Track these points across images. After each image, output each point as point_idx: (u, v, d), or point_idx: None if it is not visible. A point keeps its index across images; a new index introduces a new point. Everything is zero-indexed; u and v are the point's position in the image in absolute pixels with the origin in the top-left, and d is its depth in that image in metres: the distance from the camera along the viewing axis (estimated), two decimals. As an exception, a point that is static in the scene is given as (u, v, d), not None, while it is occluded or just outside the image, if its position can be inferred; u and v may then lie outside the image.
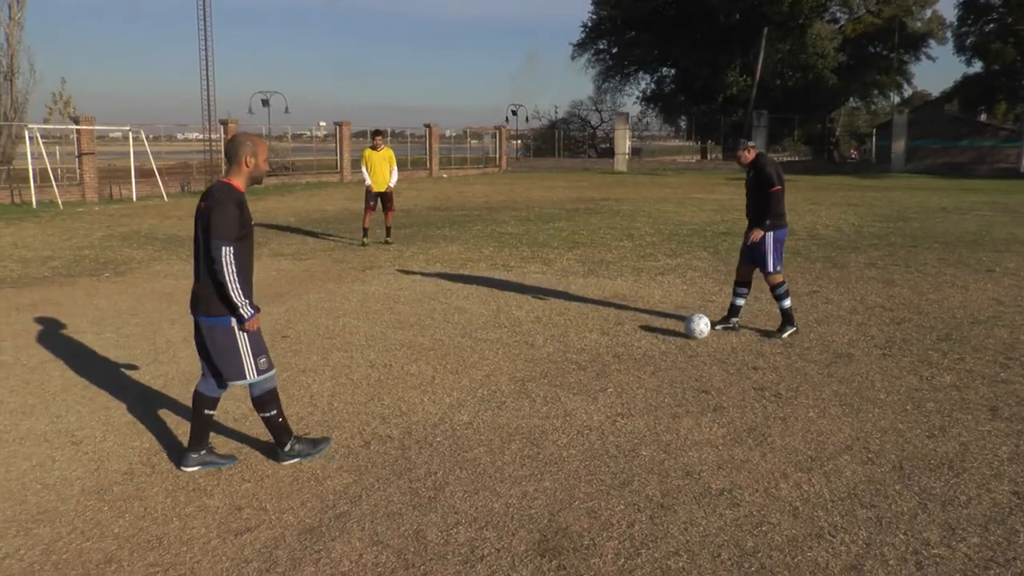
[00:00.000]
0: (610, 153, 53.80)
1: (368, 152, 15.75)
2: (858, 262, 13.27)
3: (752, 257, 8.56)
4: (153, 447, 5.69)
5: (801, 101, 55.35)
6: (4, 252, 15.33)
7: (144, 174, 29.20)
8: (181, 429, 5.98)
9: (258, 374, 5.11)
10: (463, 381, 7.05)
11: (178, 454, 5.46)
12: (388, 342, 8.38)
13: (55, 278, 12.48)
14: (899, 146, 46.85)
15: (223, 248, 4.82)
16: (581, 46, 64.48)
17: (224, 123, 33.55)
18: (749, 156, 8.39)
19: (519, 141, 61.61)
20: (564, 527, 4.43)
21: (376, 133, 16.06)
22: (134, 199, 28.03)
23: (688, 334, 8.38)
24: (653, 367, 7.42)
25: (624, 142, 50.19)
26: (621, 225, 18.69)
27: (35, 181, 25.47)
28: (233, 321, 5.00)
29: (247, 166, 5.06)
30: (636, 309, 9.80)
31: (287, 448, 5.34)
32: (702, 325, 8.35)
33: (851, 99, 66.19)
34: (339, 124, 38.69)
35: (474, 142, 54.06)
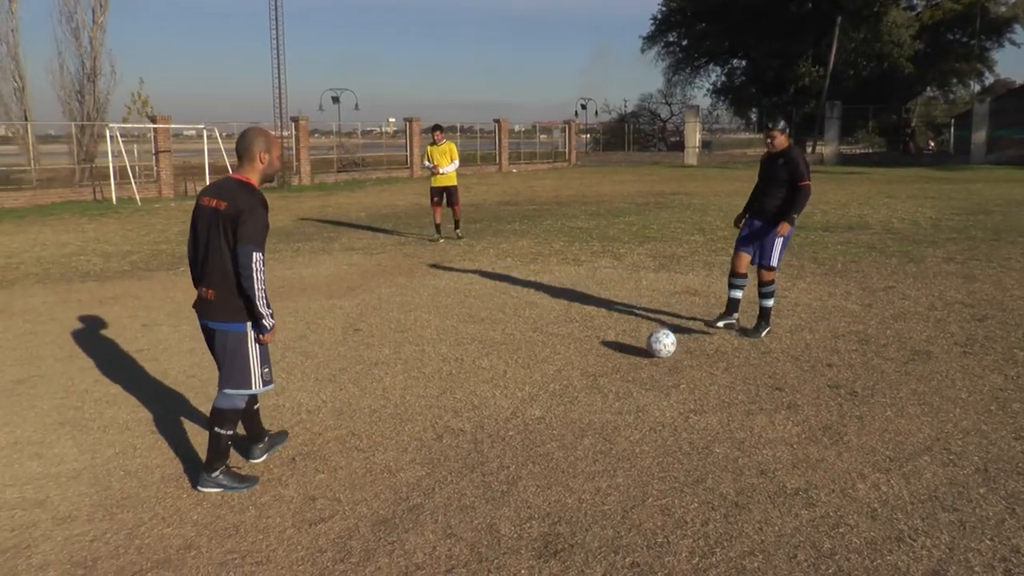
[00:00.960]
0: (680, 147, 53.28)
1: (429, 148, 15.71)
2: (936, 257, 12.93)
3: (751, 248, 8.14)
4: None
5: (876, 91, 54.03)
6: (87, 247, 15.81)
7: (217, 171, 29.81)
8: (257, 420, 6.10)
9: (262, 385, 4.91)
10: (535, 376, 7.05)
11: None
12: (459, 336, 8.42)
13: (134, 272, 12.82)
14: (979, 137, 45.50)
15: (255, 254, 4.60)
16: (651, 39, 63.88)
17: (295, 120, 33.95)
18: (783, 142, 7.94)
19: (588, 135, 61.36)
20: (638, 524, 4.40)
21: (436, 128, 16.00)
22: (209, 194, 28.67)
23: (651, 353, 7.49)
24: (726, 363, 7.33)
25: (694, 135, 49.68)
26: (692, 219, 18.50)
27: (115, 178, 26.24)
28: (248, 327, 4.79)
29: (261, 162, 4.82)
30: (708, 304, 9.69)
31: (213, 475, 4.92)
32: (668, 343, 7.40)
33: (928, 88, 64.29)
34: (409, 120, 38.97)
35: (543, 137, 54.06)
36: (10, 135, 33.34)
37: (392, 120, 49.79)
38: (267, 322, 4.77)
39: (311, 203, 24.87)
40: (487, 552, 4.16)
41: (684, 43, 63.33)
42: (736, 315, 8.41)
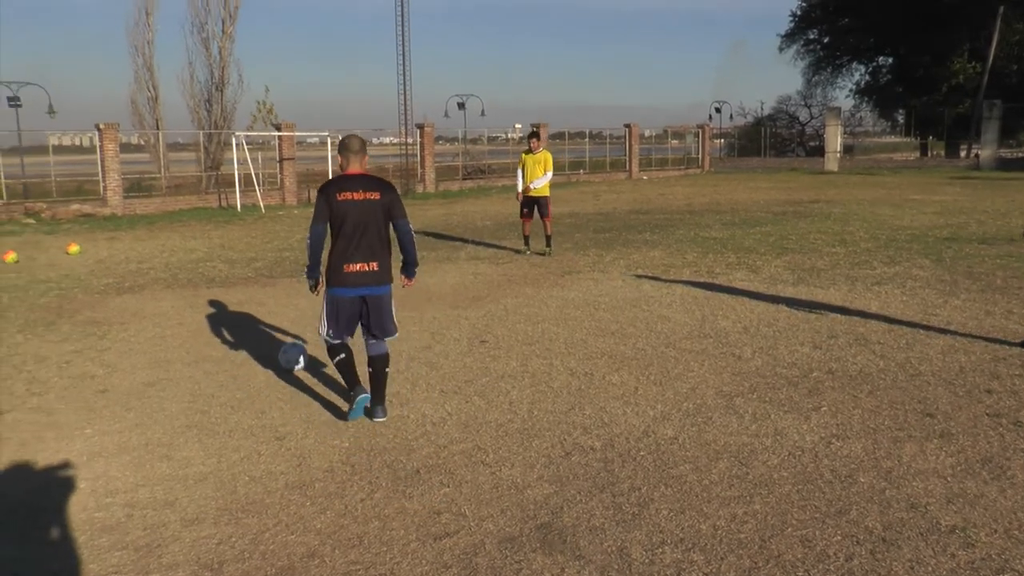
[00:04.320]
0: (820, 151, 51.90)
1: (524, 156, 15.46)
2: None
3: None
4: (353, 446, 5.97)
5: (1042, 89, 51.40)
6: (213, 253, 16.51)
7: (340, 178, 30.61)
8: (379, 430, 6.25)
9: (397, 329, 6.62)
10: (667, 393, 6.99)
11: (376, 409, 6.49)
12: (589, 350, 8.43)
13: (258, 279, 13.32)
14: None
15: (410, 224, 6.56)
16: (790, 36, 62.53)
17: (420, 127, 34.50)
18: None
19: (723, 140, 60.45)
20: (776, 555, 4.31)
21: (532, 135, 15.74)
22: (331, 201, 29.47)
23: (285, 365, 7.92)
24: (870, 386, 7.11)
25: (835, 139, 48.31)
26: (833, 229, 18.00)
27: (240, 185, 27.30)
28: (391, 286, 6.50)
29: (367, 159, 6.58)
30: (851, 321, 9.42)
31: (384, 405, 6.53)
32: (299, 356, 7.93)
33: (1105, 85, 60.85)
34: (536, 126, 39.19)
35: (675, 142, 53.49)
36: (142, 143, 35.25)
37: (519, 126, 50.11)
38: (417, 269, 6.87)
39: (436, 211, 25.31)
40: (617, 577, 4.15)
41: (825, 40, 61.75)
42: None
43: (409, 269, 6.75)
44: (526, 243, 15.68)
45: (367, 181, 6.34)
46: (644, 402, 6.78)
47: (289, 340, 8.75)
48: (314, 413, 6.72)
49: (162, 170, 30.20)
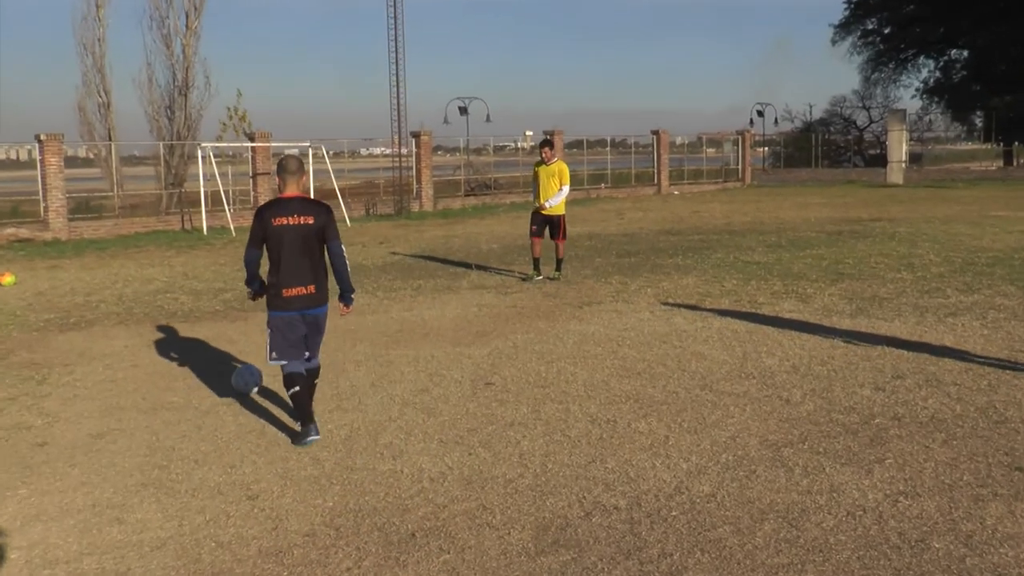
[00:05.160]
0: (881, 161, 51.96)
1: (536, 168, 15.62)
2: None
3: None
4: (337, 506, 5.99)
5: None
6: (175, 283, 16.61)
7: (323, 196, 30.66)
8: (368, 488, 6.26)
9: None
10: (703, 443, 7.00)
11: (294, 435, 7.37)
12: (611, 393, 8.45)
13: (228, 312, 13.39)
14: None
15: (343, 247, 7.50)
16: (844, 27, 62.94)
17: (416, 136, 34.70)
18: None
19: (766, 148, 60.64)
20: (834, 631, 4.30)
21: (544, 143, 15.91)
22: (312, 222, 29.51)
23: (242, 389, 8.65)
24: (945, 434, 7.10)
25: (900, 146, 48.40)
26: (897, 252, 18.03)
27: (206, 205, 27.45)
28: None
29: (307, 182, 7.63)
30: (920, 359, 9.42)
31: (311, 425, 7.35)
32: (255, 379, 8.73)
33: None
34: (549, 133, 39.30)
35: (711, 151, 53.77)
36: (91, 156, 35.45)
37: (529, 133, 50.20)
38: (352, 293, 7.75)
39: (434, 232, 25.45)
40: (646, 658, 4.14)
41: (887, 31, 62.03)
42: None
43: (345, 297, 7.68)
44: (536, 267, 15.76)
45: (302, 205, 7.40)
46: (676, 454, 6.78)
47: (241, 366, 9.11)
48: (292, 468, 6.74)
49: (115, 187, 30.33)
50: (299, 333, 7.38)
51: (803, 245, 19.60)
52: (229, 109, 36.74)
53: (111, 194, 30.38)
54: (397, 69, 34.03)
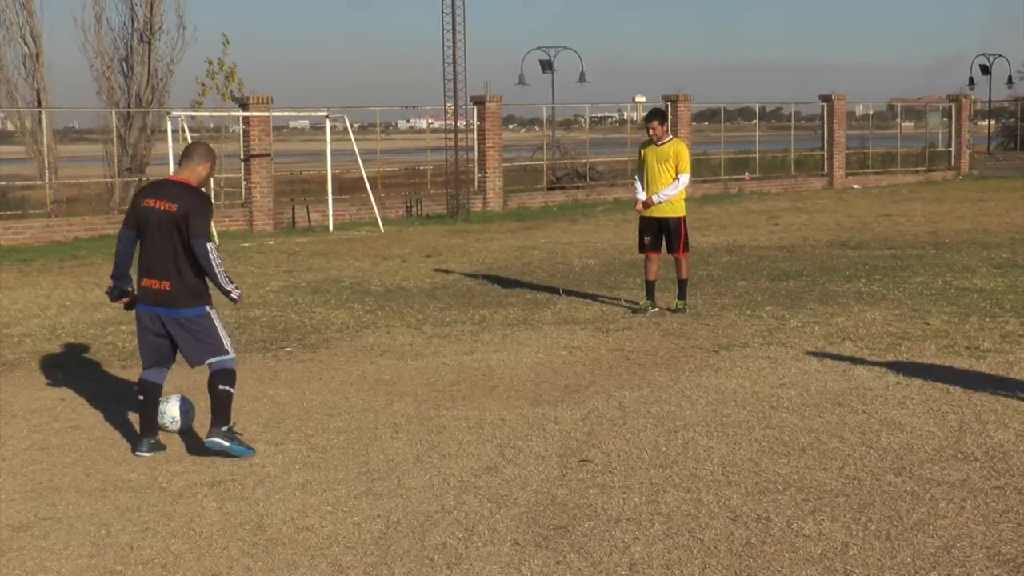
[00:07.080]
0: None
1: (643, 150, 15.66)
2: None
3: None
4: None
5: None
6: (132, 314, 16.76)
7: (346, 187, 30.60)
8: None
9: (232, 351, 9.32)
10: (900, 554, 6.92)
11: (135, 441, 9.28)
12: (762, 477, 8.42)
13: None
14: None
15: (209, 245, 8.90)
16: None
17: (479, 102, 34.84)
18: None
19: (992, 122, 59.93)
20: None
21: (653, 116, 15.63)
22: (330, 227, 29.82)
23: (169, 426, 9.80)
24: None
25: None
26: None
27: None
28: (208, 308, 9.14)
29: (206, 173, 9.45)
30: None
31: (223, 429, 9.03)
32: (174, 411, 9.87)
33: None
34: (670, 99, 39.06)
35: (908, 125, 53.27)
36: (12, 129, 35.17)
37: (641, 99, 49.91)
38: (235, 293, 9.20)
39: (504, 242, 25.56)
40: None
41: None
42: None
43: (227, 297, 9.25)
44: (650, 294, 15.81)
45: (173, 190, 9.10)
46: (860, 569, 6.71)
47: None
48: (299, 573, 6.78)
49: (46, 173, 30.33)
50: (161, 336, 9.26)
51: (1047, 265, 19.42)
52: (211, 63, 36.20)
53: (40, 183, 30.33)
54: (453, 18, 33.27)
